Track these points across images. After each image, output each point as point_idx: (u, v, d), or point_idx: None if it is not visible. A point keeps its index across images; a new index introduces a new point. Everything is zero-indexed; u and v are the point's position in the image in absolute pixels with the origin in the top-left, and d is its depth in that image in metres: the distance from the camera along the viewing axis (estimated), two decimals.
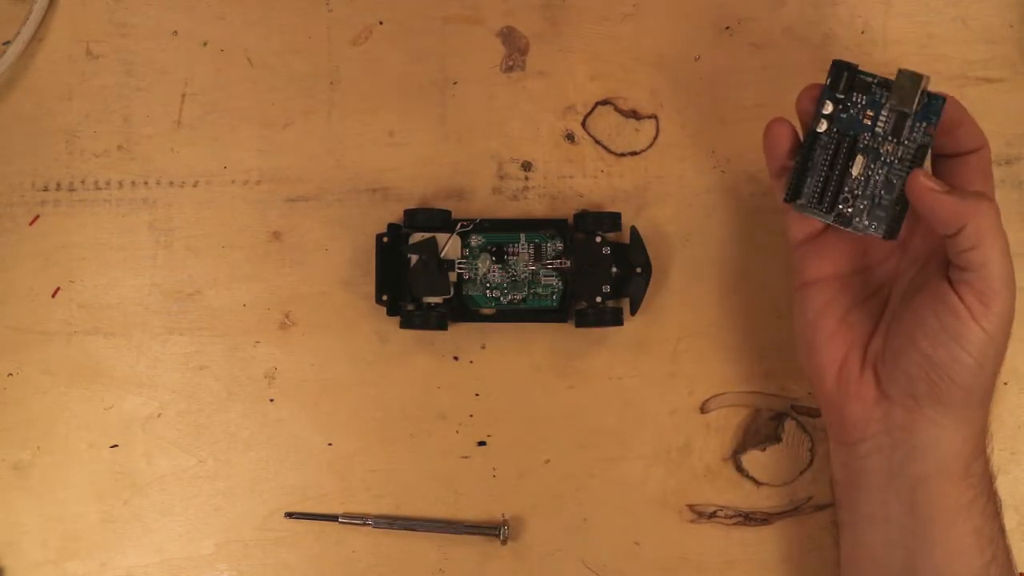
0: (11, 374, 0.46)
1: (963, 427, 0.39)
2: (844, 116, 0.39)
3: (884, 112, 0.39)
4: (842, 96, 0.39)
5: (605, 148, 0.47)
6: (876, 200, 0.39)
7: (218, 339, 0.46)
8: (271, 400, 0.46)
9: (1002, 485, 0.45)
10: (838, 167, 0.39)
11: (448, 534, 0.45)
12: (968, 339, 0.37)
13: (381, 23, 0.47)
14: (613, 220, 0.45)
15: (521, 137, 0.47)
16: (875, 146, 0.39)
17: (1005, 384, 0.46)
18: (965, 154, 0.40)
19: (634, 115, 0.47)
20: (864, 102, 0.39)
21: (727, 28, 0.47)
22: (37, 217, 0.47)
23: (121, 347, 0.46)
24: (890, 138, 0.39)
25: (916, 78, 0.38)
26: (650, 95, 0.47)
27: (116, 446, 0.46)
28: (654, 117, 0.47)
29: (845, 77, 0.39)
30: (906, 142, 0.39)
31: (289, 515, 0.46)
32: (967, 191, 0.39)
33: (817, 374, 0.42)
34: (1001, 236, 0.37)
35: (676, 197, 0.47)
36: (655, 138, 0.47)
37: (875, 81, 0.39)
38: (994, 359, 0.38)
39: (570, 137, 0.47)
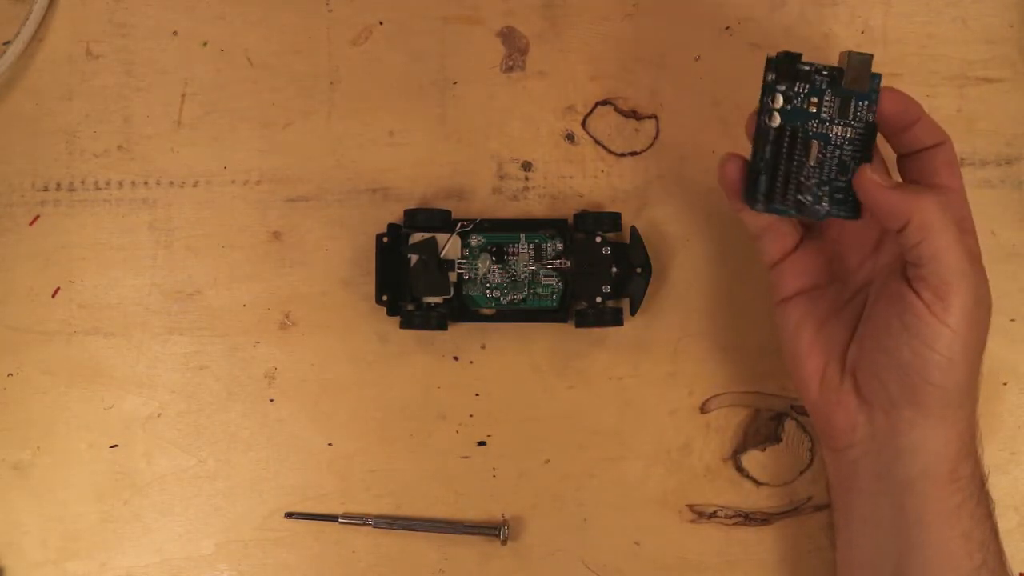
0: (11, 374, 0.46)
1: (945, 428, 0.39)
2: (790, 108, 0.39)
3: (827, 97, 0.39)
4: (784, 88, 0.39)
5: (605, 148, 0.47)
6: (834, 184, 0.39)
7: (218, 339, 0.46)
8: (271, 400, 0.46)
9: (1002, 485, 0.45)
10: (795, 158, 0.39)
11: (448, 534, 0.45)
12: (932, 336, 0.37)
13: (381, 23, 0.47)
14: (613, 220, 0.45)
15: (521, 137, 0.47)
16: (824, 131, 0.39)
17: (1005, 384, 0.46)
18: (928, 150, 0.40)
19: (634, 115, 0.47)
20: (807, 90, 0.39)
21: (727, 28, 0.47)
22: (37, 217, 0.47)
23: (121, 347, 0.46)
24: (837, 121, 0.39)
25: (866, 58, 0.38)
26: (650, 95, 0.47)
27: (116, 446, 0.46)
28: (654, 117, 0.47)
29: (789, 68, 0.39)
30: (853, 123, 0.39)
31: (289, 515, 0.46)
32: (911, 185, 0.40)
33: (802, 383, 0.42)
34: (949, 228, 0.37)
35: (676, 197, 0.47)
36: (655, 138, 0.47)
37: (815, 68, 0.39)
38: (965, 355, 0.37)
39: (570, 137, 0.47)
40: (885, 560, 0.40)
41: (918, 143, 0.40)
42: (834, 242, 0.43)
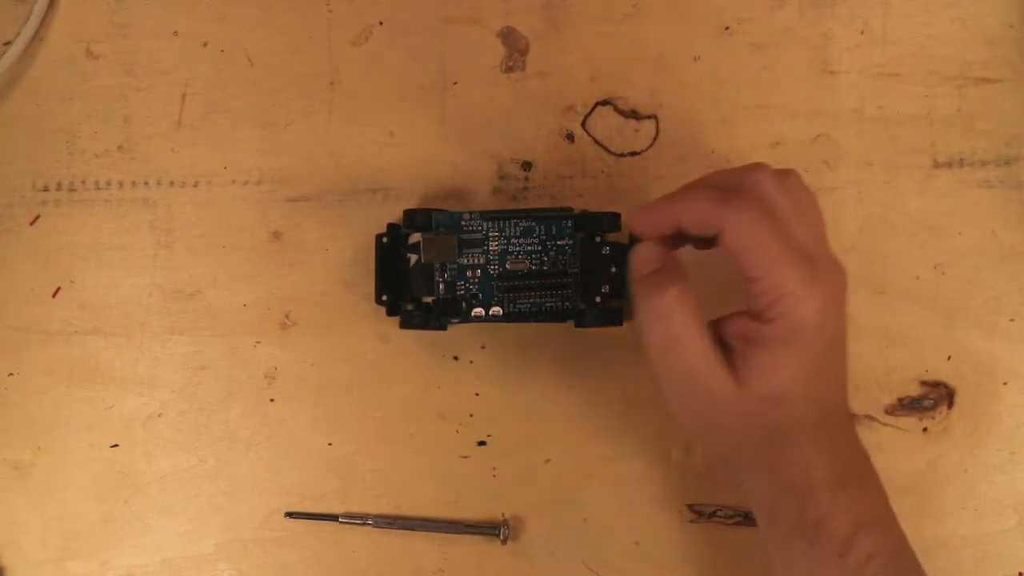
0: (11, 374, 0.46)
1: (751, 475, 0.39)
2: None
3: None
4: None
5: (605, 148, 0.47)
6: None
7: (218, 339, 0.46)
8: (271, 400, 0.46)
9: (1001, 485, 0.46)
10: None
11: (448, 534, 0.45)
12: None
13: (381, 23, 0.47)
14: (613, 220, 0.45)
15: (521, 137, 0.47)
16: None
17: (1004, 384, 0.46)
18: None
19: (634, 115, 0.47)
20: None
21: (727, 28, 0.47)
22: (38, 217, 0.47)
23: (121, 347, 0.46)
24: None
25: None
26: (650, 95, 0.47)
27: (116, 446, 0.46)
28: (654, 117, 0.47)
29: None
30: None
31: (289, 515, 0.46)
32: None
33: None
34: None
35: None
36: (655, 138, 0.47)
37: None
38: (751, 403, 0.38)
39: (570, 137, 0.47)
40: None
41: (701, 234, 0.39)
42: None
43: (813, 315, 0.37)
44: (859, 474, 0.39)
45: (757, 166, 0.38)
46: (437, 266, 0.43)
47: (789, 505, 0.38)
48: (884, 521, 0.39)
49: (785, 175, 0.39)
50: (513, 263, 0.44)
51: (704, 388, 0.38)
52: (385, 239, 0.45)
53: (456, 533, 0.45)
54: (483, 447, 0.46)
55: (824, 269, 0.38)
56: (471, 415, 0.46)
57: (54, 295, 0.47)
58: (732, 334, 0.39)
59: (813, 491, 0.38)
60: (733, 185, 0.38)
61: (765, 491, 0.39)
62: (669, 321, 0.38)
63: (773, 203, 0.37)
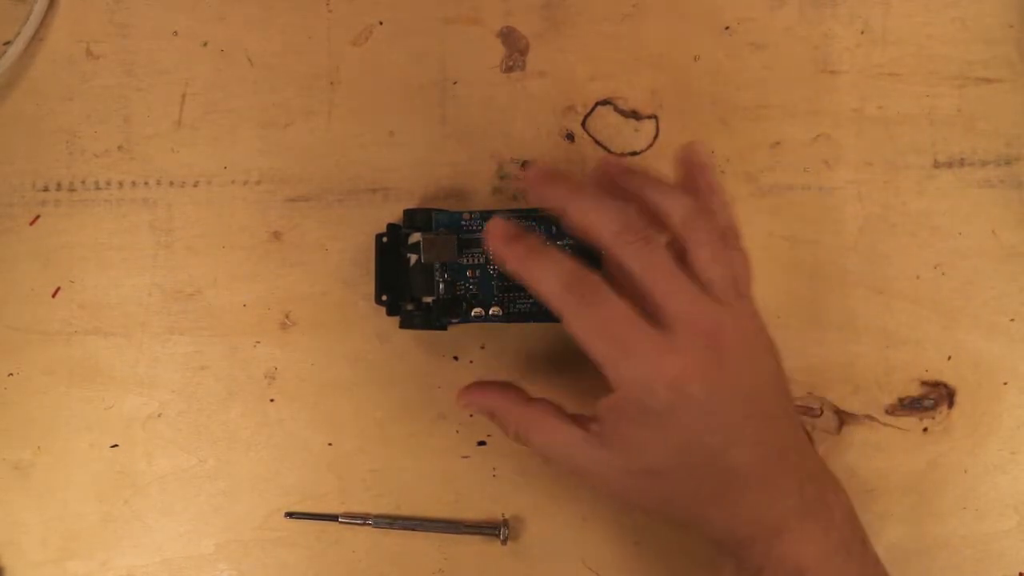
0: (11, 374, 0.46)
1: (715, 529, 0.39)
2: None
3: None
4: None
5: (605, 148, 0.47)
6: None
7: (218, 339, 0.46)
8: (271, 400, 0.46)
9: (1002, 485, 0.46)
10: None
11: (448, 534, 0.45)
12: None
13: (381, 23, 0.47)
14: None
15: (521, 137, 0.47)
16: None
17: (1005, 384, 0.46)
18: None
19: (634, 115, 0.47)
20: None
21: (727, 28, 0.47)
22: (37, 217, 0.47)
23: (121, 347, 0.46)
24: None
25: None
26: (650, 95, 0.47)
27: (116, 446, 0.46)
28: (654, 117, 0.47)
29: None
30: None
31: (289, 515, 0.46)
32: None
33: None
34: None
35: None
36: (655, 138, 0.47)
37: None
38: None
39: (570, 137, 0.47)
40: None
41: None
42: None
43: (665, 397, 0.35)
44: (808, 510, 0.37)
45: (647, 242, 0.36)
46: (437, 266, 0.43)
47: (725, 559, 0.39)
48: (840, 554, 0.37)
49: (695, 219, 0.37)
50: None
51: (600, 478, 0.38)
52: (385, 239, 0.45)
53: (456, 533, 0.45)
54: (483, 447, 0.46)
55: (692, 332, 0.35)
56: (471, 415, 0.46)
57: (54, 295, 0.47)
58: (604, 415, 0.37)
59: (741, 547, 0.37)
60: (606, 242, 0.37)
61: (707, 542, 0.39)
62: (531, 444, 0.39)
63: (641, 267, 0.36)
